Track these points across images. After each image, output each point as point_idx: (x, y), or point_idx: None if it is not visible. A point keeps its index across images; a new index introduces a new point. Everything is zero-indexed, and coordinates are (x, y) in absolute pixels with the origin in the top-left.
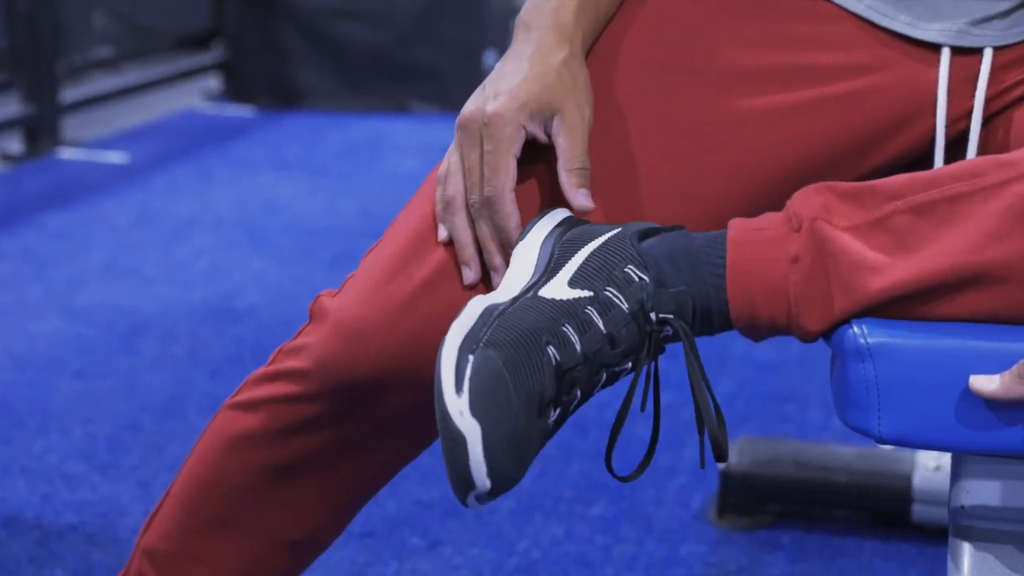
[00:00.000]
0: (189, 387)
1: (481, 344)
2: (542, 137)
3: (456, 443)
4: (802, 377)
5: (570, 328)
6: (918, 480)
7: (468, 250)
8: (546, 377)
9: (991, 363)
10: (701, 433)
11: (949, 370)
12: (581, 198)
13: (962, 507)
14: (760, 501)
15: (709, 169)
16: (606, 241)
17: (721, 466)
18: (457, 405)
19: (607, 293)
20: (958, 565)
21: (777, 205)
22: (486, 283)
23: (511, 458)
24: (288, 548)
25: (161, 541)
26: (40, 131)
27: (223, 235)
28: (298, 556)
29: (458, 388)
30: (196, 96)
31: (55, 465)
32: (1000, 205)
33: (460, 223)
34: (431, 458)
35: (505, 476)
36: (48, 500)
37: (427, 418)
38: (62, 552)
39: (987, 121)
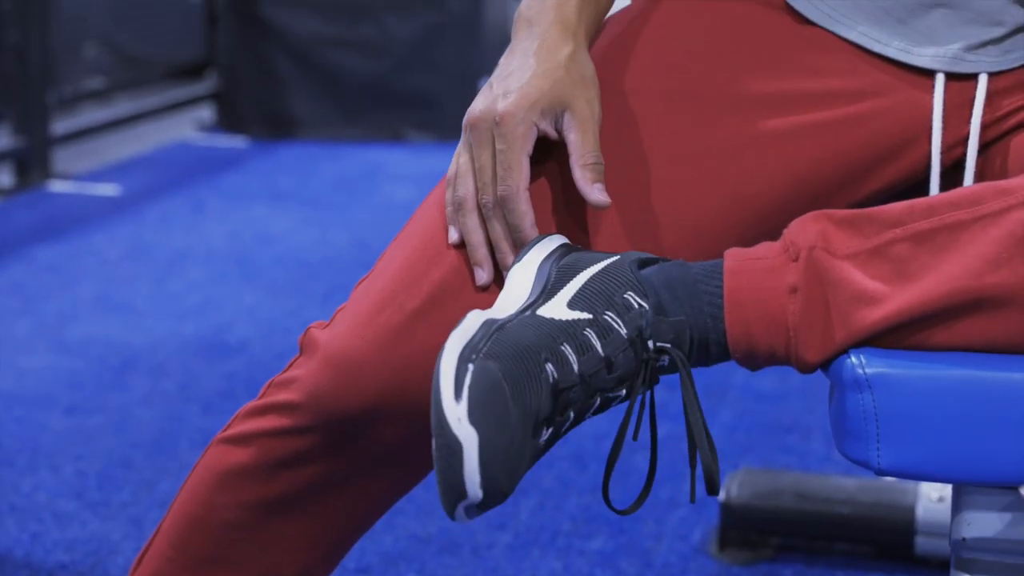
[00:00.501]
0: (181, 423)
1: (481, 354)
2: (553, 134)
3: (452, 450)
4: (804, 408)
5: (568, 348)
6: (921, 512)
7: (481, 251)
8: (543, 394)
9: (990, 394)
10: (693, 465)
11: (948, 401)
12: (596, 193)
13: (963, 539)
14: (761, 534)
15: (704, 196)
16: (605, 267)
17: (721, 498)
18: (455, 412)
19: (606, 317)
20: None
21: (772, 231)
22: (498, 284)
23: (505, 470)
24: None
25: None
26: (30, 163)
27: (215, 268)
28: None
29: (457, 395)
30: (189, 127)
31: (45, 503)
32: (1000, 232)
33: (472, 224)
34: (427, 492)
35: (497, 488)
36: (38, 539)
37: (420, 450)
38: None
39: (984, 148)
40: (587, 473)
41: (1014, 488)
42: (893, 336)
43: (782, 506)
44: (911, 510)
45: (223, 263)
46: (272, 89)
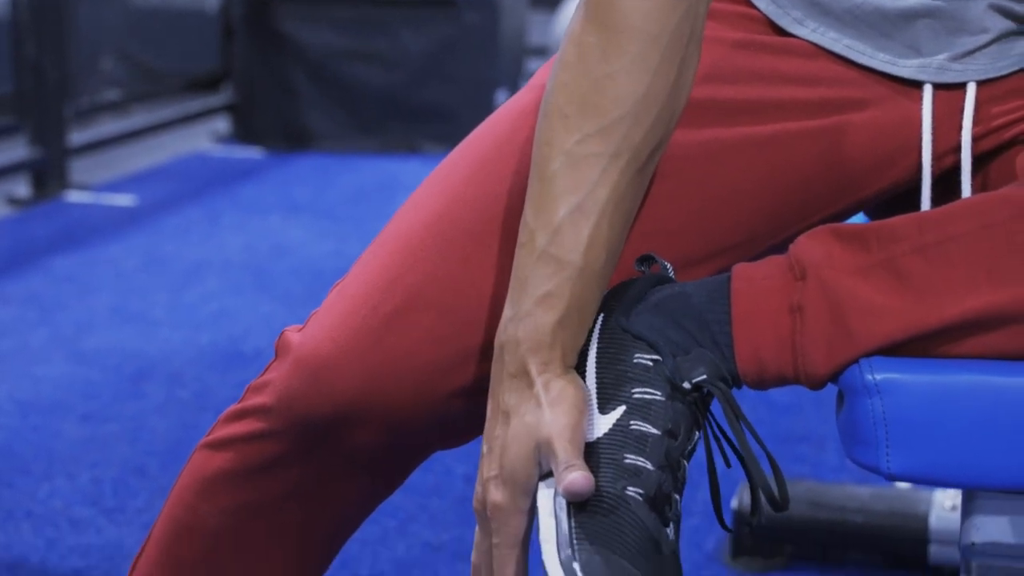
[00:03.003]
0: (196, 431)
1: (575, 547)
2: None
3: None
4: (818, 418)
5: (631, 455)
6: (935, 521)
7: None
8: (643, 520)
9: (999, 399)
10: (754, 489)
11: (958, 406)
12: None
13: (973, 544)
14: (774, 542)
15: (687, 201)
16: (600, 345)
17: (734, 506)
18: None
19: (636, 396)
20: None
21: (760, 238)
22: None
23: None
24: None
25: None
26: (47, 174)
27: (231, 278)
28: None
29: None
30: (205, 138)
31: (60, 509)
32: (1007, 244)
33: None
34: (441, 501)
35: None
36: (53, 545)
37: (396, 455)
38: None
39: (984, 159)
40: None
41: (1023, 493)
42: (902, 351)
43: (795, 515)
44: (924, 519)
45: (239, 274)
46: (288, 101)
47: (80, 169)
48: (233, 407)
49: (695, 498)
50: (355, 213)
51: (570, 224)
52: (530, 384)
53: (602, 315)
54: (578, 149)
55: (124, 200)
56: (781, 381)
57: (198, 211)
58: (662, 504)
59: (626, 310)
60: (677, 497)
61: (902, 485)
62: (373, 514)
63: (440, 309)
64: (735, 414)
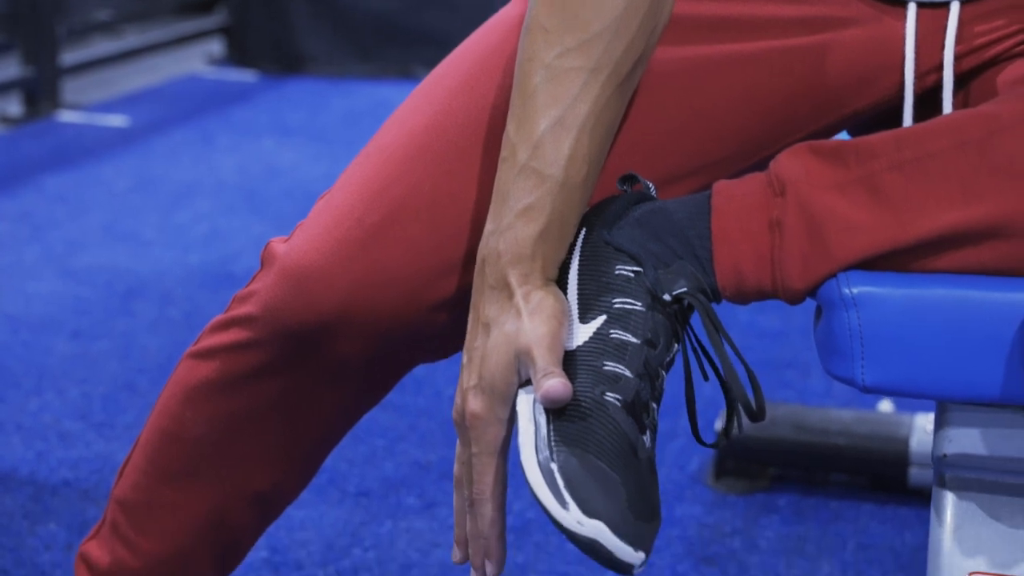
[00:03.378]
0: (185, 349)
1: (553, 448)
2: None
3: (593, 548)
4: (804, 345)
5: (611, 362)
6: (915, 444)
7: (459, 532)
8: (621, 424)
9: (973, 312)
10: (730, 401)
11: (932, 319)
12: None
13: (944, 456)
14: (757, 464)
15: (664, 121)
16: (582, 256)
17: (718, 428)
18: (571, 518)
19: (617, 306)
20: (940, 514)
21: (742, 156)
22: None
23: (644, 519)
24: (253, 500)
25: (132, 491)
26: (40, 93)
27: (223, 199)
28: (264, 507)
29: (561, 503)
30: (199, 60)
31: (50, 423)
32: (983, 160)
33: (456, 504)
34: (429, 421)
35: (649, 536)
36: (43, 457)
37: (380, 367)
38: (56, 507)
39: (965, 79)
40: None
41: (995, 405)
42: (878, 265)
43: (779, 437)
44: (905, 442)
45: (231, 195)
46: (282, 24)
47: (73, 89)
48: (219, 317)
49: (679, 421)
50: (348, 136)
51: (551, 138)
52: (510, 295)
53: (584, 230)
54: (559, 63)
55: (117, 120)
56: (760, 295)
57: (191, 133)
58: (640, 411)
59: (608, 224)
60: (655, 406)
61: (884, 409)
62: (362, 433)
63: (425, 221)
64: (714, 326)
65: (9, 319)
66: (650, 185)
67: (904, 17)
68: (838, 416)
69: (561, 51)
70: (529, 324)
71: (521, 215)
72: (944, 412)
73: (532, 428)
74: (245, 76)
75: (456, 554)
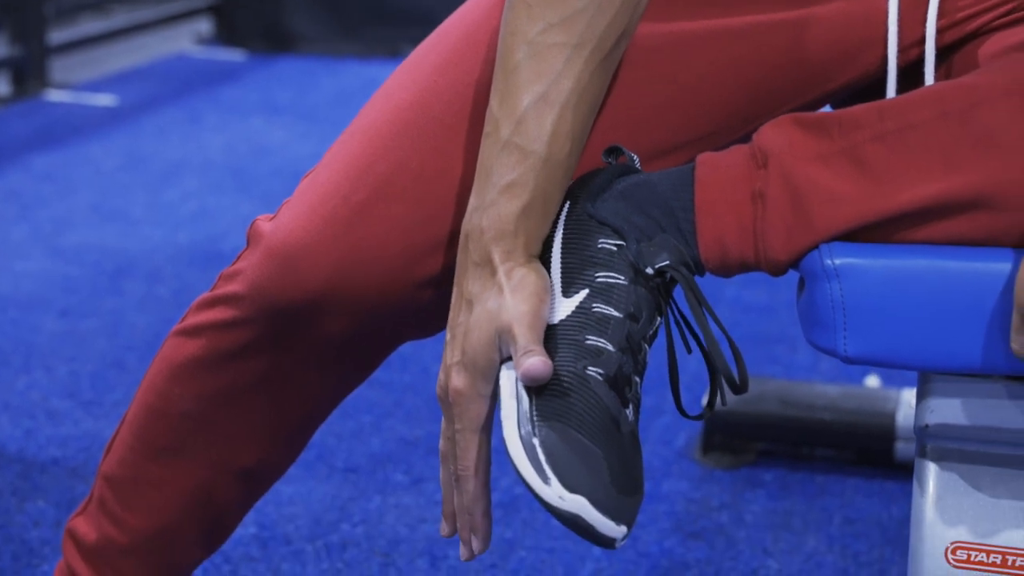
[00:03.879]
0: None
1: (535, 423)
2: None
3: (575, 523)
4: (791, 320)
5: (593, 337)
6: (901, 418)
7: (446, 507)
8: (603, 399)
9: (954, 283)
10: (713, 373)
11: (914, 290)
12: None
13: (926, 426)
14: (744, 439)
15: (648, 96)
16: (565, 231)
17: (704, 403)
18: (553, 493)
19: (600, 279)
20: (923, 485)
21: (727, 129)
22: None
23: (626, 494)
24: (239, 476)
25: (119, 467)
26: (27, 72)
27: (211, 178)
28: (250, 484)
29: (543, 478)
30: (187, 39)
31: (38, 401)
32: (964, 131)
33: (442, 478)
34: (415, 398)
35: (632, 510)
36: (31, 435)
37: (366, 344)
38: (44, 484)
39: (946, 52)
40: None
41: (976, 376)
42: (861, 237)
43: (765, 412)
44: (891, 416)
45: (219, 173)
46: (270, 3)
47: (60, 68)
48: (205, 295)
49: (665, 397)
50: (336, 115)
51: (534, 114)
52: (493, 272)
53: (568, 203)
54: (542, 38)
55: (105, 100)
56: (743, 267)
57: (179, 112)
58: (622, 385)
59: (592, 197)
60: (637, 380)
61: (870, 384)
62: (349, 410)
63: (410, 199)
64: (697, 299)
65: None
66: (634, 157)
67: None
68: (824, 391)
69: (544, 26)
70: (511, 301)
71: (504, 191)
72: (926, 383)
73: (514, 404)
74: (234, 55)
75: (444, 528)
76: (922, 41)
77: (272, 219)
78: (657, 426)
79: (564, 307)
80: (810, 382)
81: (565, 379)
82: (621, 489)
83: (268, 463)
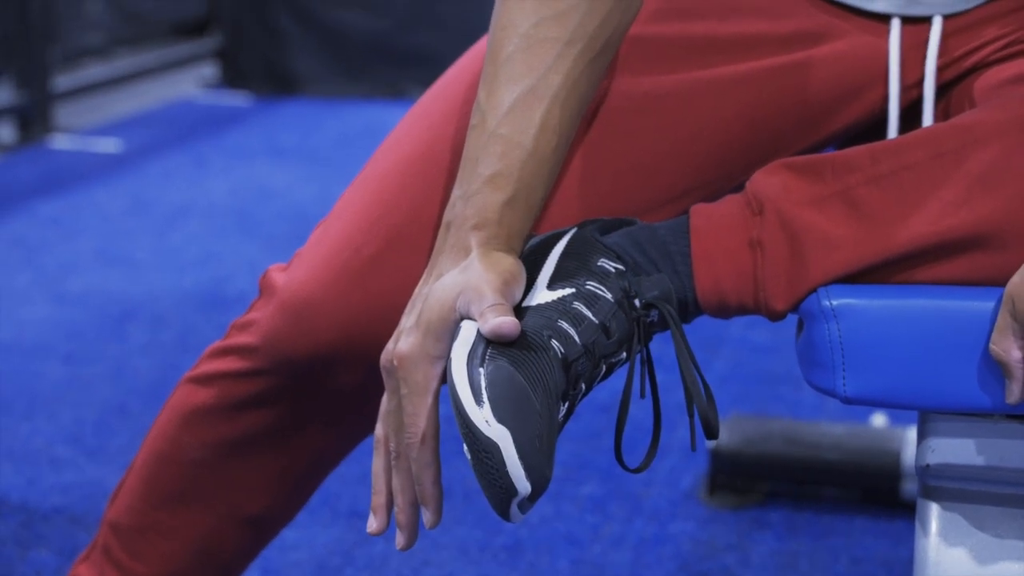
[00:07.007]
0: (178, 372)
1: (488, 355)
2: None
3: (489, 453)
4: (796, 359)
5: (565, 323)
6: (907, 457)
7: (378, 498)
8: (555, 371)
9: (952, 322)
10: (691, 414)
11: (912, 330)
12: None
13: (927, 466)
14: (750, 479)
15: (660, 141)
16: (569, 242)
17: (711, 445)
18: (481, 416)
19: (589, 287)
20: (925, 525)
21: (733, 175)
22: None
23: (544, 455)
24: (247, 524)
25: (125, 515)
26: (32, 119)
27: (216, 222)
28: (257, 531)
29: (477, 400)
30: (191, 84)
31: (42, 448)
32: (960, 170)
33: (376, 466)
34: None
35: (542, 475)
36: (34, 483)
37: (377, 397)
38: (47, 533)
39: (944, 89)
40: (579, 422)
41: (976, 415)
42: (859, 280)
43: (771, 452)
44: (897, 455)
45: (223, 217)
46: (275, 46)
47: (65, 114)
48: (218, 343)
49: (672, 437)
50: (341, 157)
51: (523, 106)
52: (467, 253)
53: (575, 227)
54: (534, 32)
55: (109, 145)
56: (742, 311)
57: (183, 156)
58: (573, 378)
59: (599, 229)
60: (584, 387)
61: (877, 423)
62: (353, 454)
63: (422, 249)
64: (681, 337)
65: (1, 344)
66: (636, 221)
67: (886, 32)
68: (830, 430)
69: (537, 21)
70: (481, 268)
71: (489, 182)
72: (926, 422)
73: (468, 347)
74: (238, 99)
75: (372, 523)
76: (921, 82)
77: (285, 270)
78: (663, 467)
79: (543, 296)
80: (816, 422)
81: (530, 337)
82: (542, 453)
83: (276, 511)
